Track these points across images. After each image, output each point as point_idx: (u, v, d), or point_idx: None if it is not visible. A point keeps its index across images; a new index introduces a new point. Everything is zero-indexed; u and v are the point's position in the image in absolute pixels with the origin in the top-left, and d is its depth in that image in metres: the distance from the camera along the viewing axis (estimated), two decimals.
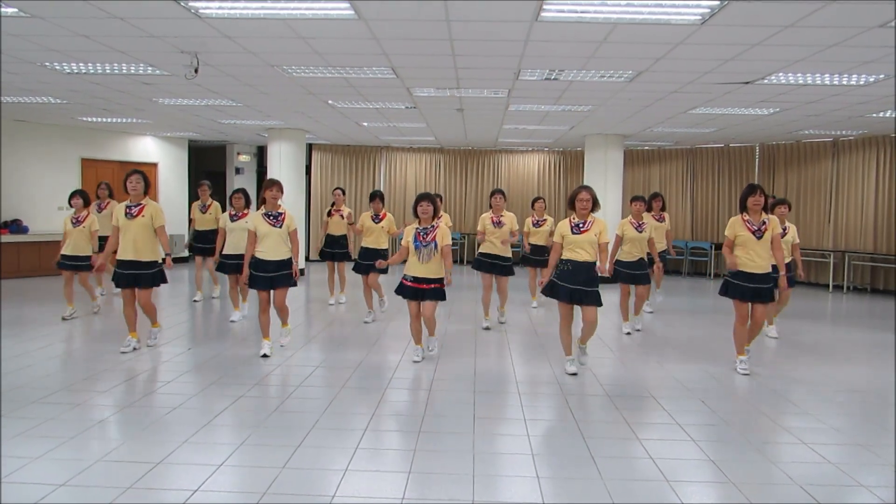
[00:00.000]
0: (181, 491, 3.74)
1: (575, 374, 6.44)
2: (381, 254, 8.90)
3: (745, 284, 6.50)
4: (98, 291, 10.48)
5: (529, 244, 10.39)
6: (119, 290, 7.45)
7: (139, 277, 6.92)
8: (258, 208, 7.02)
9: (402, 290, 6.73)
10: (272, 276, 6.87)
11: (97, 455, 4.22)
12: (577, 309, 6.41)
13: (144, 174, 7.05)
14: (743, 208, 6.57)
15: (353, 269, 9.14)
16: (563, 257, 6.39)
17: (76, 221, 8.96)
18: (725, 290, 6.67)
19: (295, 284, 7.03)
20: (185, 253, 16.36)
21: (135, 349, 7.08)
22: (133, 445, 4.46)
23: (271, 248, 6.85)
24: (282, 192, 6.98)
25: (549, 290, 6.45)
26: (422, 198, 6.72)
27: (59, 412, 5.04)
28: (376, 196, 9.11)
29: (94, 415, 5.08)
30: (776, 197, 8.58)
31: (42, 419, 4.85)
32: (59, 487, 3.73)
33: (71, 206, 9.11)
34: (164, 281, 7.16)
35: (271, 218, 6.88)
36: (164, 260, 7.11)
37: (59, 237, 13.20)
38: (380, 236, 9.06)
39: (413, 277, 6.66)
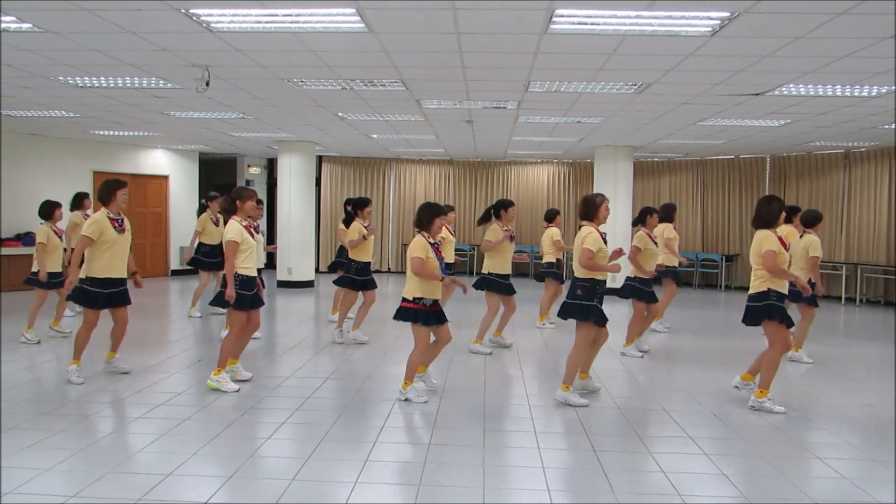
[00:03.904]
0: (191, 503, 3.73)
1: (586, 406, 5.83)
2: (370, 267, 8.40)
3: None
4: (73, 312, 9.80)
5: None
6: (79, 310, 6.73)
7: (122, 295, 6.35)
8: (227, 217, 6.25)
9: (426, 317, 5.78)
10: (256, 294, 6.27)
11: (108, 467, 4.22)
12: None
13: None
14: (775, 224, 5.83)
15: (361, 286, 8.40)
16: (593, 277, 5.74)
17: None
18: (775, 314, 5.74)
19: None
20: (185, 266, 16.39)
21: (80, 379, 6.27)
22: (143, 457, 4.47)
23: (253, 262, 6.24)
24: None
25: (596, 314, 5.75)
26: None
27: (69, 424, 5.05)
28: (369, 202, 8.54)
29: (104, 426, 5.09)
30: (812, 209, 8.07)
31: (52, 431, 4.86)
32: (70, 499, 3.73)
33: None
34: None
35: (252, 229, 6.29)
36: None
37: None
38: (370, 249, 8.48)
39: (433, 300, 5.81)
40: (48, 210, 8.44)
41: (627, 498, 3.93)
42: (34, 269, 8.18)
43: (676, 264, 9.23)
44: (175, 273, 16.24)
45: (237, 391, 6.07)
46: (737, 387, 6.30)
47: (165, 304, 11.80)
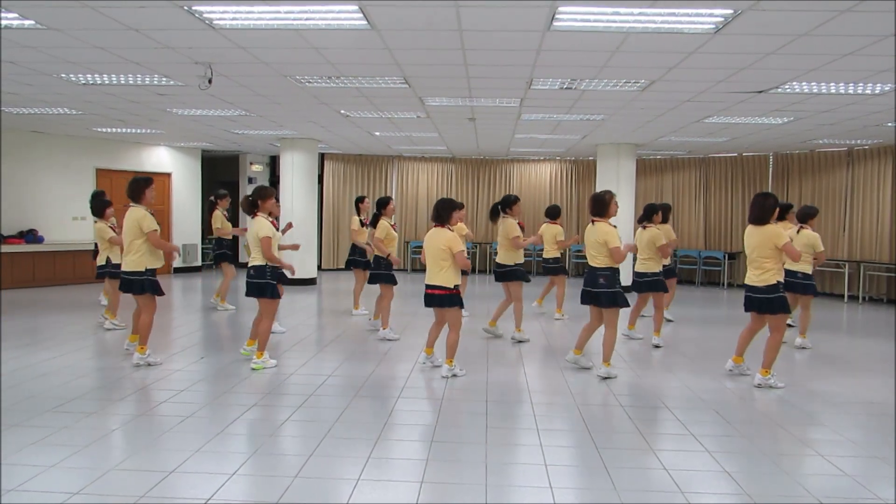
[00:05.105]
0: (194, 500, 3.74)
1: (616, 377, 6.75)
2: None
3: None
4: None
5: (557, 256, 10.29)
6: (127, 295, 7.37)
7: None
8: (252, 215, 6.82)
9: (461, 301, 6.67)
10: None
11: (111, 464, 4.23)
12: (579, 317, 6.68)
13: None
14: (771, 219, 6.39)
15: (389, 280, 8.55)
16: (613, 266, 6.56)
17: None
18: (784, 307, 6.40)
19: None
20: (199, 262, 16.62)
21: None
22: (146, 454, 4.47)
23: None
24: None
25: (623, 299, 6.59)
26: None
27: (74, 421, 5.05)
28: (391, 199, 8.79)
29: (108, 424, 5.10)
30: (807, 205, 8.70)
31: (56, 428, 4.87)
32: (74, 496, 3.74)
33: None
34: None
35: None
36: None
37: (75, 247, 13.41)
38: (395, 246, 8.76)
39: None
40: (101, 208, 8.81)
41: (630, 495, 3.94)
42: (99, 262, 8.91)
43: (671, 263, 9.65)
44: (178, 270, 16.27)
45: (276, 366, 6.90)
46: (759, 384, 6.50)
47: (168, 301, 11.81)
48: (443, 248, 6.41)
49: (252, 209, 6.83)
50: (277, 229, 6.88)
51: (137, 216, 6.69)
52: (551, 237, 10.14)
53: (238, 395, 5.91)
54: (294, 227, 12.14)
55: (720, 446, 4.85)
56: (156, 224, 6.76)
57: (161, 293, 6.86)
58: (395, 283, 8.54)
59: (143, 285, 6.76)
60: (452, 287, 6.50)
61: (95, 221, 8.88)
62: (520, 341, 8.51)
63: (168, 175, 16.27)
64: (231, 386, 6.16)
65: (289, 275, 6.94)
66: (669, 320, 10.15)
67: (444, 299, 6.52)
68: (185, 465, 4.24)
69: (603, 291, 6.56)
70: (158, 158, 16.08)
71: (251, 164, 18.12)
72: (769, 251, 6.26)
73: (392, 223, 8.64)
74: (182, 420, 5.15)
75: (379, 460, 4.42)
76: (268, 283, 6.72)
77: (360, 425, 5.15)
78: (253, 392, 6.00)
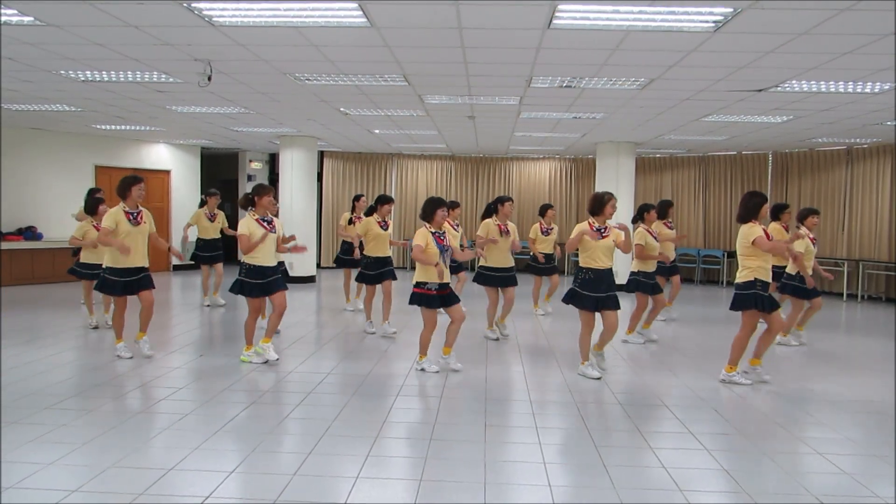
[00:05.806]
0: (193, 497, 3.74)
1: (599, 378, 6.55)
2: (389, 261, 8.74)
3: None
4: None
5: (538, 252, 10.35)
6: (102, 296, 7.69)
7: (144, 281, 6.99)
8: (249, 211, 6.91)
9: (429, 301, 6.45)
10: (270, 281, 6.89)
11: (109, 461, 4.23)
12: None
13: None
14: (757, 217, 6.44)
15: (362, 279, 8.78)
16: (582, 265, 6.52)
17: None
18: (759, 303, 6.32)
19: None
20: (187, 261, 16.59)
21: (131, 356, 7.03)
22: (145, 452, 4.48)
23: (270, 253, 6.86)
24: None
25: (570, 299, 6.58)
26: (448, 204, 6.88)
27: (72, 418, 5.06)
28: (389, 200, 8.78)
29: (107, 421, 5.09)
30: (807, 207, 8.85)
31: (54, 425, 4.87)
32: (72, 493, 3.73)
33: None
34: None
35: (267, 223, 6.85)
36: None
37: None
38: (387, 244, 8.73)
39: (438, 285, 6.47)
40: (93, 206, 8.68)
41: (629, 493, 3.94)
42: (82, 259, 8.74)
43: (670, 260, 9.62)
44: (177, 268, 16.26)
45: (265, 363, 6.89)
46: (746, 371, 6.59)
47: (167, 298, 11.82)
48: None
49: (248, 206, 6.91)
50: (272, 226, 6.87)
51: (107, 212, 6.90)
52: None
53: (237, 392, 5.91)
54: (292, 225, 12.30)
55: (719, 444, 4.86)
56: (114, 224, 6.74)
57: (114, 294, 6.95)
58: (394, 278, 8.80)
59: (99, 281, 6.99)
60: (416, 284, 6.51)
61: (81, 218, 8.86)
62: (486, 337, 8.57)
63: (167, 172, 16.25)
64: (230, 384, 6.16)
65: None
66: (661, 320, 10.12)
67: (410, 296, 6.56)
68: (184, 462, 4.24)
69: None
70: (158, 156, 16.06)
71: (250, 161, 18.10)
72: (745, 249, 6.39)
73: (380, 220, 8.63)
74: (181, 417, 5.15)
75: (377, 458, 4.43)
76: (236, 279, 6.83)
77: (359, 423, 5.15)
78: (251, 390, 6.01)
